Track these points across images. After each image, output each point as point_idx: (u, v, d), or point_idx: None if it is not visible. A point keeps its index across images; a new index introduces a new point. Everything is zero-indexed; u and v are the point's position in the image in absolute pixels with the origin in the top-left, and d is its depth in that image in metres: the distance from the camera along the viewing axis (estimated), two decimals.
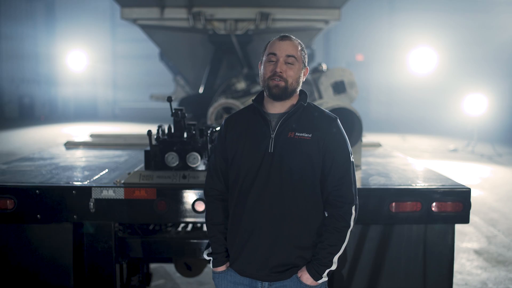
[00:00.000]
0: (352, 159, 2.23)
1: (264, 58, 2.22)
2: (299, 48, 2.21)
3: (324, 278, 2.20)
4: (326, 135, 2.18)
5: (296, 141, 2.17)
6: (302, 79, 2.24)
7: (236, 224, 2.22)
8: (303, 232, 2.18)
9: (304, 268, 2.19)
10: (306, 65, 2.26)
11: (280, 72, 2.15)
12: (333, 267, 2.19)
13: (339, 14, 5.57)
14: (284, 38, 2.20)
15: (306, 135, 2.17)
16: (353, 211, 2.19)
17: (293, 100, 2.24)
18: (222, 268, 2.29)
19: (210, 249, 2.34)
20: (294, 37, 2.23)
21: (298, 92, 2.25)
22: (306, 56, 2.26)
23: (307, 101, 2.26)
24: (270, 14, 5.42)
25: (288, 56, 2.16)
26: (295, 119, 2.20)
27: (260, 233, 2.17)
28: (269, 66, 2.18)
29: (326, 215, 2.21)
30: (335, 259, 2.18)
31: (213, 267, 2.31)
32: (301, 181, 2.16)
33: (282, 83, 2.15)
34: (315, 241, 2.19)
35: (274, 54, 2.17)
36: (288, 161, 2.16)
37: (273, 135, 2.19)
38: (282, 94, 2.17)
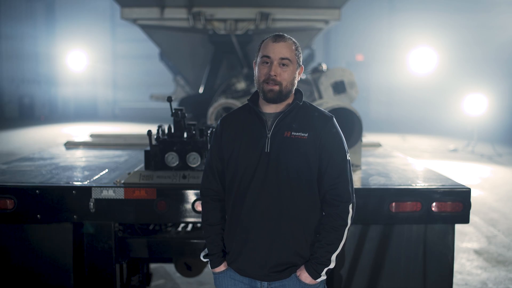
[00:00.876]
0: (348, 158, 2.22)
1: (258, 60, 2.19)
2: (293, 48, 2.18)
3: (323, 277, 2.20)
4: (322, 134, 2.17)
5: (292, 140, 2.16)
6: (297, 78, 2.22)
7: (234, 224, 2.22)
8: (301, 231, 2.18)
9: (302, 267, 2.19)
10: (301, 63, 2.23)
11: (275, 75, 2.13)
12: (332, 265, 2.19)
13: (339, 14, 5.57)
14: (277, 39, 2.16)
15: (302, 134, 2.16)
16: (350, 210, 2.19)
17: (289, 99, 2.22)
18: (221, 268, 2.29)
19: (206, 251, 2.34)
20: (288, 36, 2.19)
21: (293, 92, 2.24)
22: (301, 54, 2.23)
23: (303, 100, 2.25)
24: (270, 14, 5.42)
25: (282, 58, 2.14)
26: (291, 118, 2.19)
27: (258, 233, 2.17)
28: (263, 69, 2.16)
29: (324, 213, 2.21)
30: (333, 257, 2.18)
31: (211, 268, 2.31)
32: (298, 180, 2.16)
33: (277, 87, 2.14)
34: (313, 240, 2.20)
35: (268, 57, 2.15)
36: (285, 161, 2.15)
37: (269, 135, 2.18)
38: (277, 98, 2.16)
